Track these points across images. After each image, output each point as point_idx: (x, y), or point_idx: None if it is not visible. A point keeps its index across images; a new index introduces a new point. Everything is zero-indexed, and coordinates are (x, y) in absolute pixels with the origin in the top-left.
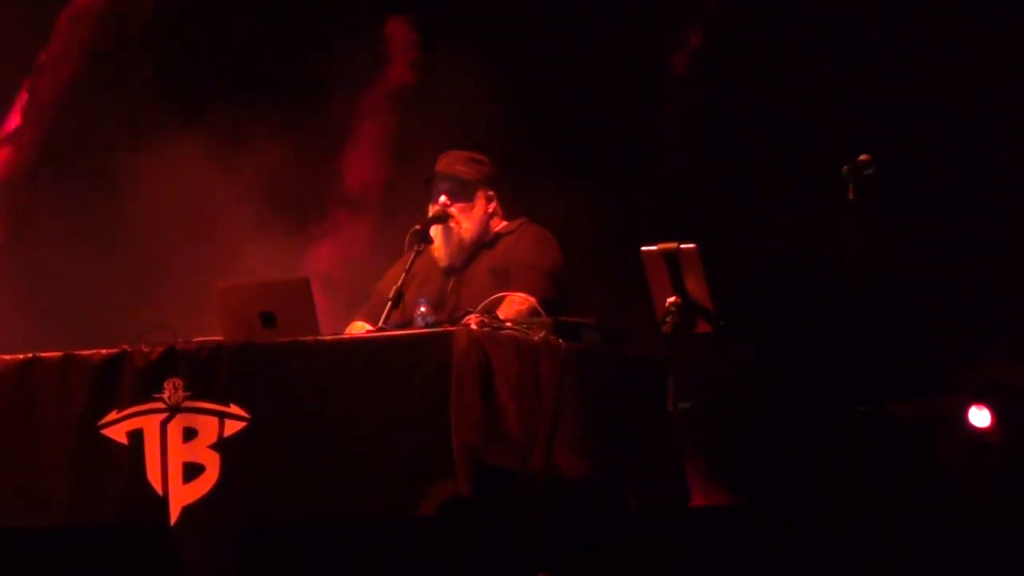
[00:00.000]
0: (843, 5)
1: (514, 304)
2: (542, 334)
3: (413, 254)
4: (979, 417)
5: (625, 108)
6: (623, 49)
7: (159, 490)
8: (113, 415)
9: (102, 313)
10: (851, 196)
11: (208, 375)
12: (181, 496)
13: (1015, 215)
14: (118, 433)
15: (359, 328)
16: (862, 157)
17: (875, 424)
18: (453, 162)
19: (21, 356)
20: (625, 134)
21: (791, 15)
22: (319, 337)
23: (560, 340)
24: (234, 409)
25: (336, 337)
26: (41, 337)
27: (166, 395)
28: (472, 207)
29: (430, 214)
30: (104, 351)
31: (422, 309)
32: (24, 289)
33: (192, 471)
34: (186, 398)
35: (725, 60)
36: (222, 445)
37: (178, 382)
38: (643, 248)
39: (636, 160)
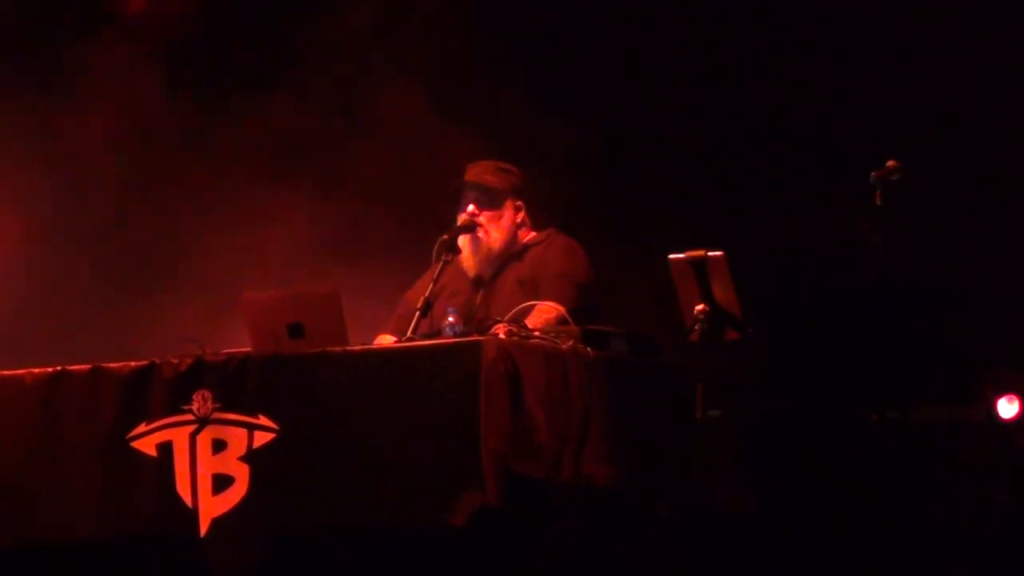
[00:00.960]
0: (859, 6)
1: (543, 313)
2: (570, 343)
3: (441, 264)
4: (1007, 409)
5: (640, 113)
6: (635, 49)
7: (189, 502)
8: (142, 428)
9: (128, 325)
10: (878, 202)
11: (237, 386)
12: (211, 508)
13: None
14: (147, 446)
15: (386, 341)
16: (889, 163)
17: (901, 430)
18: (482, 171)
19: (50, 369)
20: (643, 139)
21: (808, 15)
22: (348, 348)
23: (588, 349)
24: (263, 420)
25: (365, 348)
26: (67, 349)
27: (195, 407)
28: (500, 216)
29: (458, 223)
30: (133, 363)
31: (450, 319)
32: (49, 302)
33: (222, 483)
34: (215, 410)
35: (742, 63)
36: (251, 456)
37: (207, 394)
38: (671, 256)
39: (658, 168)
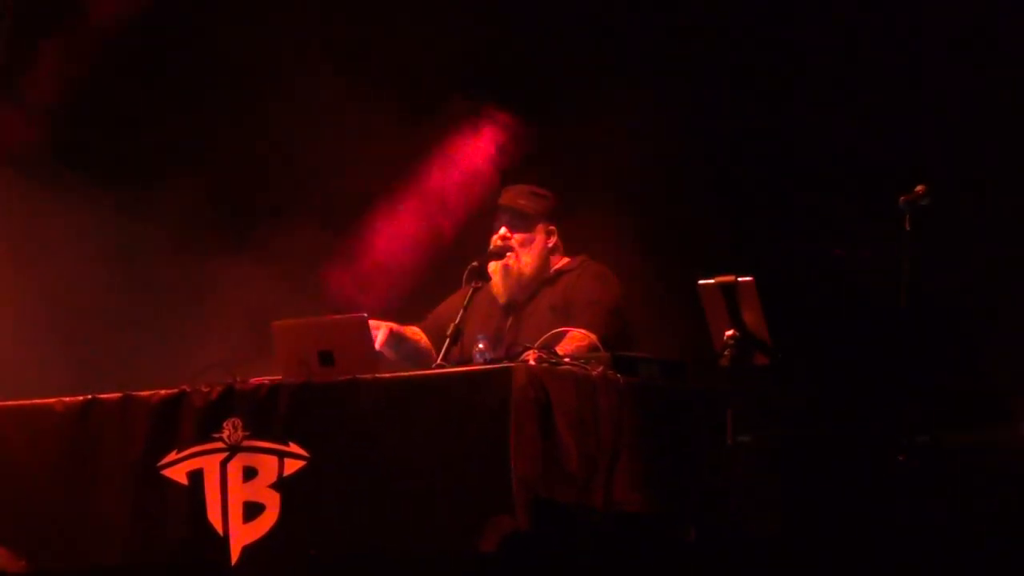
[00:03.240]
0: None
1: (574, 340)
2: (600, 369)
3: (471, 291)
4: None
5: (666, 137)
6: (663, 72)
7: (220, 530)
8: (173, 455)
9: (157, 353)
10: (907, 227)
11: (267, 414)
12: (242, 535)
13: None
14: (178, 473)
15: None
16: (918, 188)
17: (931, 453)
18: (515, 195)
19: (80, 397)
20: (672, 164)
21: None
22: (377, 375)
23: (618, 375)
24: (293, 448)
25: (394, 375)
26: (98, 378)
27: (225, 435)
28: (532, 240)
29: (490, 247)
30: (163, 391)
31: (480, 346)
32: (78, 330)
33: (252, 510)
34: (245, 437)
35: (772, 87)
36: (282, 484)
37: (237, 421)
38: (700, 281)
39: (687, 192)
